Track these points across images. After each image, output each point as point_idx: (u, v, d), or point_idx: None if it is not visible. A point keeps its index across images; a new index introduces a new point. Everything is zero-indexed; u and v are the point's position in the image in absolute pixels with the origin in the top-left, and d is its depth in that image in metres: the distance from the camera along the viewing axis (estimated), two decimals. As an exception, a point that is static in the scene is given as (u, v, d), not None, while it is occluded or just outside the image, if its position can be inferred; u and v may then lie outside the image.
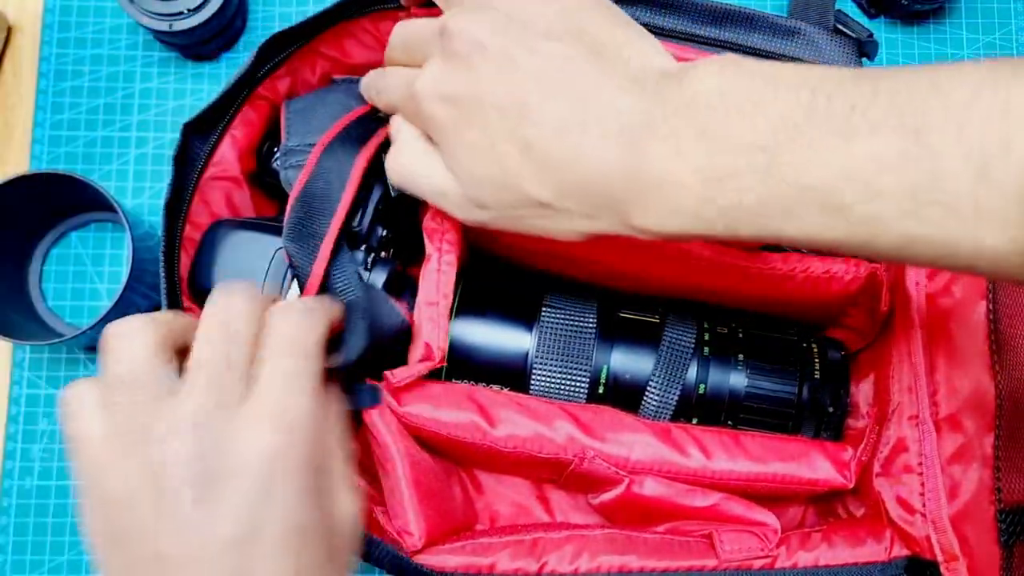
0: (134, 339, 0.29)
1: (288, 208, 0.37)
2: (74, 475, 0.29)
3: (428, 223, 0.39)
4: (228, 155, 0.42)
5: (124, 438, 0.27)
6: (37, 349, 0.51)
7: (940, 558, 0.37)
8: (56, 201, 0.50)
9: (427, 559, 0.38)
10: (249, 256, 0.38)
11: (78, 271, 0.52)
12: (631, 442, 0.39)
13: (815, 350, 0.42)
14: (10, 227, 0.49)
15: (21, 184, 0.46)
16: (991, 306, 0.38)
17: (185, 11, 0.50)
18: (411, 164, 0.35)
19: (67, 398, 0.29)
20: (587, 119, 0.30)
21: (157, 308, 0.51)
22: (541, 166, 0.31)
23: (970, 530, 0.37)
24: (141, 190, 0.53)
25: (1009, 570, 0.36)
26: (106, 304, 0.50)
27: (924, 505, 0.38)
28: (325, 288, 0.36)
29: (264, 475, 0.27)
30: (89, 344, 0.50)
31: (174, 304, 0.39)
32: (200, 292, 0.39)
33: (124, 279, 0.45)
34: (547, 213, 0.32)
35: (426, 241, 0.39)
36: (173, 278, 0.39)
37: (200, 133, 0.41)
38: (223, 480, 0.27)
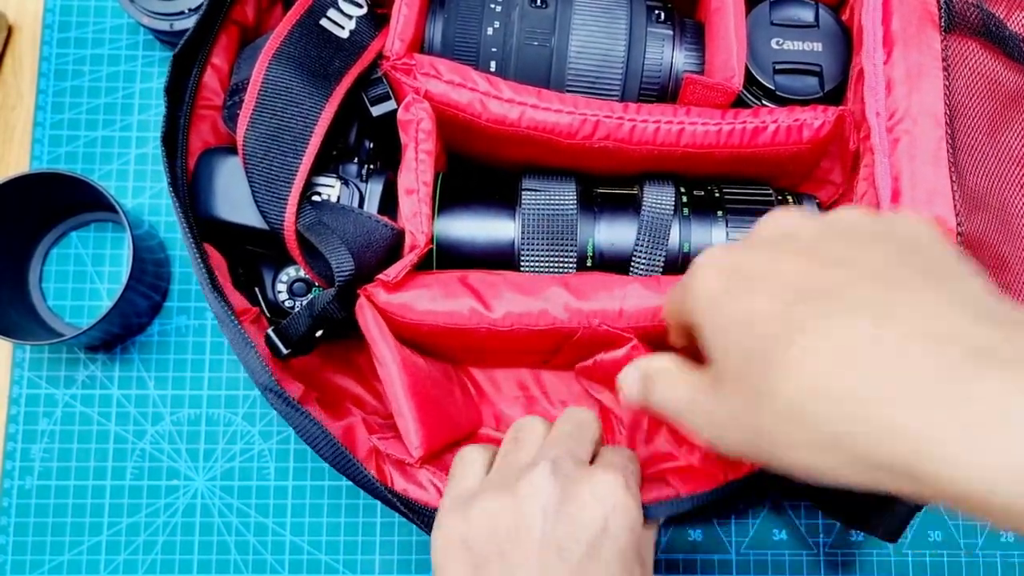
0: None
1: (241, 151, 0.37)
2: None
3: (402, 115, 0.40)
4: (211, 84, 0.42)
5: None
6: (37, 349, 0.51)
7: None
8: (56, 201, 0.50)
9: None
10: (243, 181, 0.38)
11: (78, 271, 0.52)
12: (622, 295, 0.39)
13: (791, 201, 0.43)
14: (10, 227, 0.49)
15: (21, 184, 0.46)
16: (949, 131, 0.38)
17: (185, 11, 0.50)
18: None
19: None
20: None
21: (157, 308, 0.51)
22: None
23: None
24: (141, 190, 0.53)
25: None
26: (106, 304, 0.50)
27: None
28: (299, 233, 0.37)
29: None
30: (89, 344, 0.50)
31: (201, 236, 0.38)
32: (199, 220, 0.39)
33: (124, 279, 0.45)
34: None
35: (401, 134, 0.40)
36: (187, 211, 0.39)
37: (187, 64, 0.41)
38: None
